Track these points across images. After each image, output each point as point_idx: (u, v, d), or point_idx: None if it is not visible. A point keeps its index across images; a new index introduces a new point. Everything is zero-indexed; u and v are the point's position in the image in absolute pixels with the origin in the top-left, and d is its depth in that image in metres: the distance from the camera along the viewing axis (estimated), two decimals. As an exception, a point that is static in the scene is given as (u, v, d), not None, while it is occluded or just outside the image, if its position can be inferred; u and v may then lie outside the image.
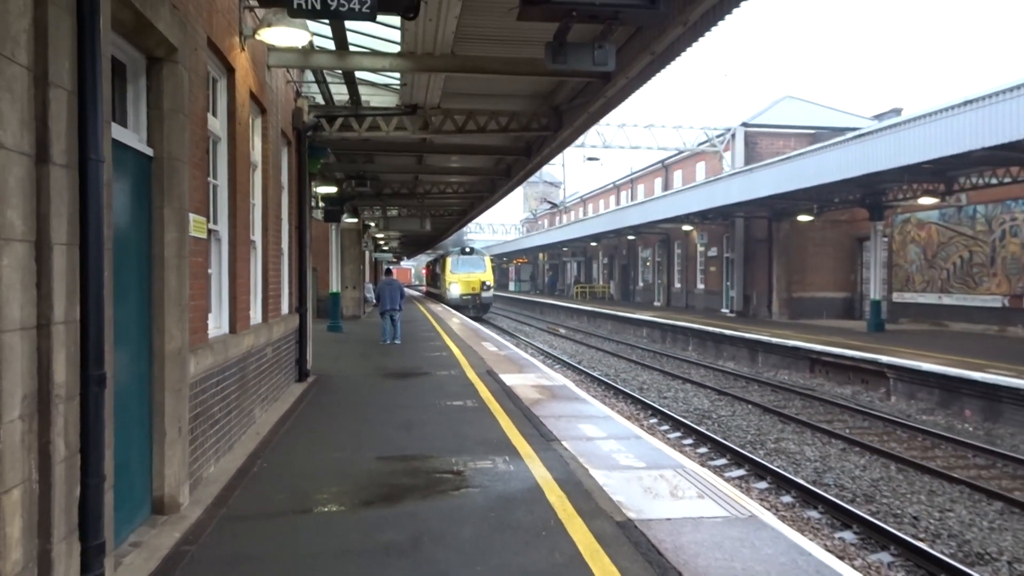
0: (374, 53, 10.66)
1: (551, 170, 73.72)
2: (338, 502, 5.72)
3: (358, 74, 11.87)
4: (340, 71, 11.35)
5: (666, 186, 44.17)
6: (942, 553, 7.17)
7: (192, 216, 5.72)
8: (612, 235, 44.58)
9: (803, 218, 27.53)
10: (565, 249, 61.97)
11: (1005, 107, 13.58)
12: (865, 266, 28.22)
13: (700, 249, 38.17)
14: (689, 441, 12.27)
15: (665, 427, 13.38)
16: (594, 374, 19.59)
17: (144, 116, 5.23)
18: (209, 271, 6.73)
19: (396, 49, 10.10)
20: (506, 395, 10.67)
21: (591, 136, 33.16)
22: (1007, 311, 21.94)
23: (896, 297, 26.66)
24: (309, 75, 12.67)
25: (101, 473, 3.77)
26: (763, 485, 9.73)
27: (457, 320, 28.35)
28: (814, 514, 8.53)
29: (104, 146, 3.80)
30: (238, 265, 7.50)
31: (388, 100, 13.61)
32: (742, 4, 7.75)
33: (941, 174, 20.39)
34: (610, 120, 34.03)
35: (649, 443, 7.81)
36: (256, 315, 8.97)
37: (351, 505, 5.66)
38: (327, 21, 8.99)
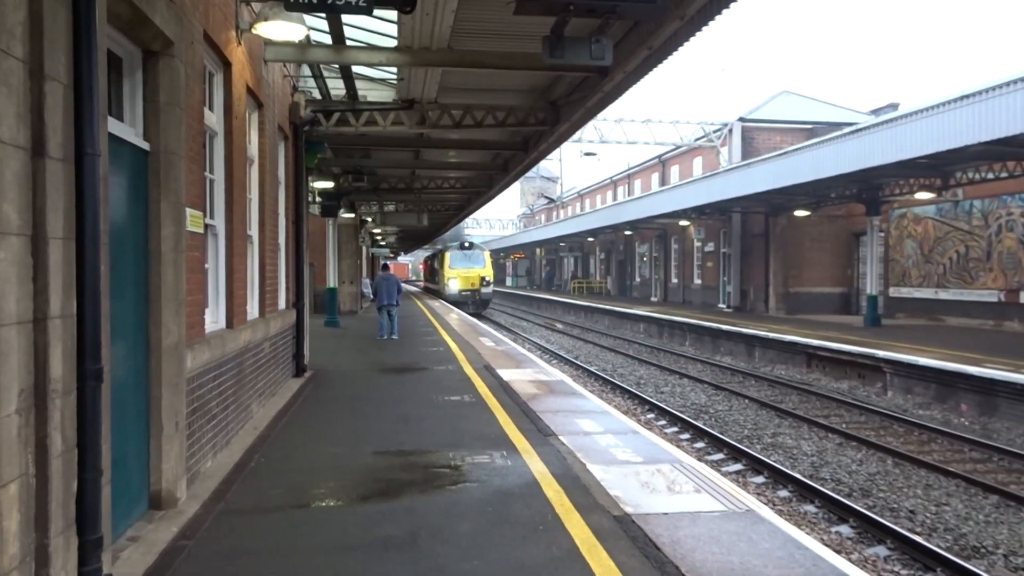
0: (371, 48, 10.64)
1: (548, 165, 73.91)
2: (336, 497, 5.72)
3: (355, 69, 11.84)
4: (337, 66, 11.32)
5: (663, 181, 44.17)
6: (938, 547, 7.19)
7: (189, 211, 5.70)
8: (609, 230, 44.56)
9: (800, 213, 27.55)
10: (562, 244, 61.96)
11: (1002, 101, 13.59)
12: (862, 261, 28.26)
13: (697, 244, 38.18)
14: (686, 436, 12.29)
15: (662, 422, 13.40)
16: (591, 369, 19.60)
17: (140, 110, 5.21)
18: (206, 266, 6.72)
19: (393, 44, 10.07)
20: (503, 390, 10.67)
21: (588, 131, 33.13)
22: (1003, 306, 21.99)
23: (893, 292, 26.70)
24: (306, 69, 12.64)
25: (98, 468, 3.77)
26: (760, 479, 9.76)
27: (454, 316, 28.35)
28: (811, 508, 8.56)
29: (100, 140, 3.78)
30: (235, 260, 7.48)
31: (385, 95, 13.59)
32: (739, -2, 7.74)
33: (937, 169, 20.42)
34: (607, 115, 34.04)
35: (646, 438, 7.82)
36: (253, 310, 8.96)
37: (349, 500, 5.66)
38: (324, 15, 8.97)
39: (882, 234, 26.10)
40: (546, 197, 72.92)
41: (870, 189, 23.28)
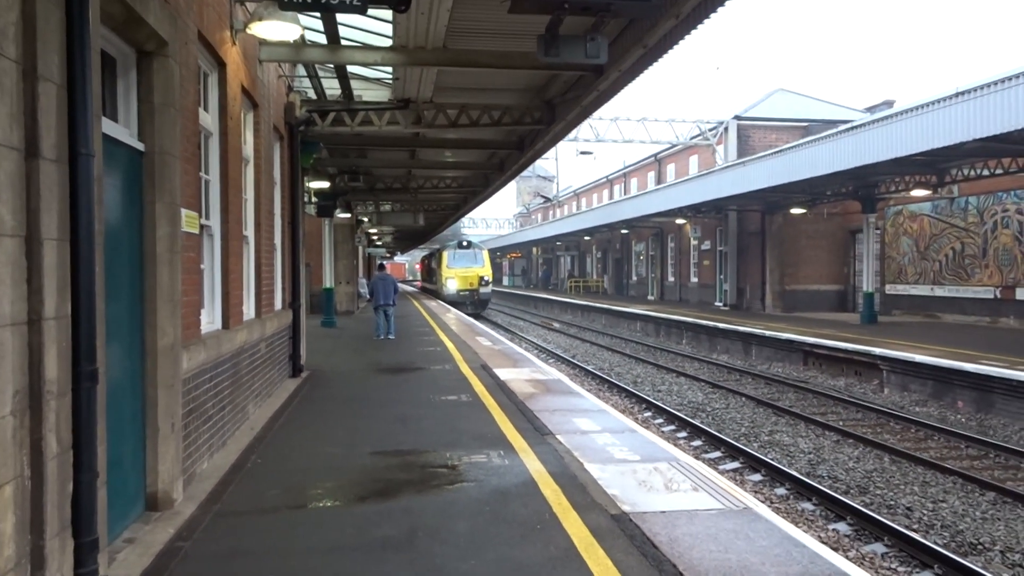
0: (366, 47, 10.62)
1: (544, 164, 73.94)
2: (333, 497, 5.71)
3: (350, 68, 11.83)
4: (332, 65, 11.30)
5: (659, 180, 44.18)
6: (935, 544, 7.21)
7: (184, 211, 5.69)
8: (605, 229, 44.55)
9: (796, 211, 27.59)
10: (559, 243, 61.96)
11: (996, 98, 13.61)
12: (858, 258, 28.32)
13: (693, 243, 38.22)
14: (683, 434, 12.30)
15: (659, 420, 13.41)
16: (588, 368, 19.61)
17: (135, 111, 5.20)
18: (201, 266, 6.71)
19: (388, 43, 10.06)
20: (500, 389, 10.67)
21: (584, 130, 33.16)
22: (999, 302, 22.04)
23: (889, 289, 26.75)
24: (301, 69, 12.63)
25: (94, 469, 3.75)
26: (757, 477, 9.77)
27: (451, 315, 28.34)
28: (808, 506, 8.56)
29: (94, 141, 3.77)
30: (231, 260, 7.47)
31: (380, 94, 13.57)
32: (734, -4, 7.74)
33: (933, 166, 20.46)
34: (603, 114, 34.10)
35: (643, 436, 7.82)
36: (249, 311, 8.94)
37: (346, 500, 5.65)
38: (318, 15, 8.95)
39: (878, 231, 26.15)
40: (542, 196, 72.92)
41: (866, 187, 23.32)
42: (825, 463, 10.36)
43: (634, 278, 48.83)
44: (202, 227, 6.62)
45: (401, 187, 23.92)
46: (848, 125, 19.58)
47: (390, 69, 11.61)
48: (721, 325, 23.67)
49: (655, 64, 9.76)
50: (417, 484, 6.00)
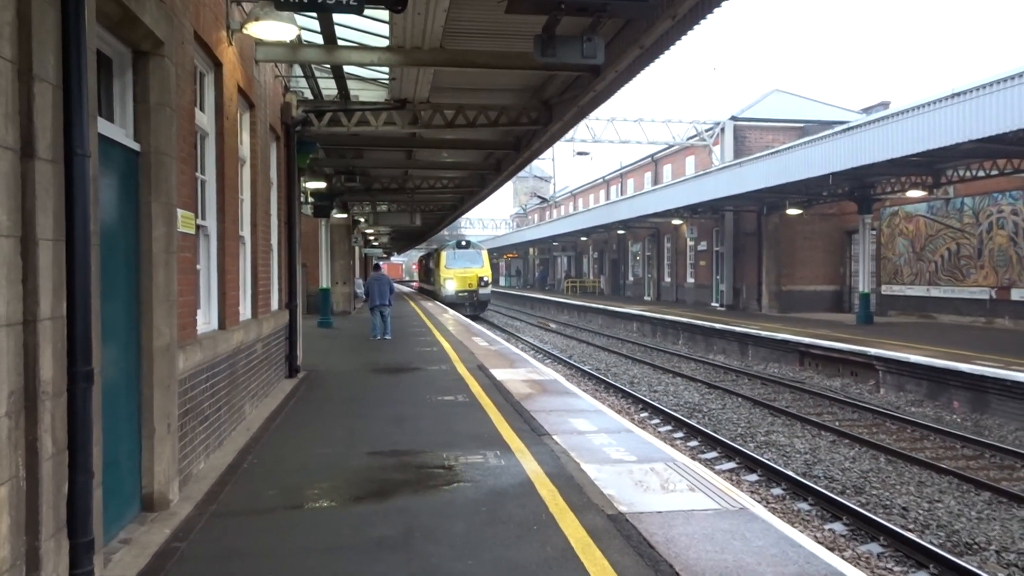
0: (362, 47, 10.62)
1: (541, 165, 73.96)
2: (329, 497, 5.71)
3: (347, 69, 11.82)
4: (328, 66, 11.29)
5: (656, 180, 44.22)
6: (931, 543, 7.22)
7: (180, 211, 5.68)
8: (602, 229, 44.58)
9: (792, 211, 27.62)
10: (555, 244, 61.97)
11: (992, 99, 13.64)
12: (854, 259, 28.35)
13: (690, 243, 38.23)
14: (680, 435, 12.31)
15: (656, 421, 13.42)
16: (585, 368, 19.61)
17: (131, 111, 5.19)
18: (198, 267, 6.70)
19: (385, 43, 10.05)
20: (497, 390, 10.67)
21: (581, 130, 33.15)
22: (994, 303, 22.09)
23: (885, 290, 26.80)
24: (297, 70, 12.61)
25: (89, 470, 3.75)
26: (753, 478, 9.78)
27: (447, 316, 28.33)
28: (804, 506, 8.58)
29: (90, 141, 3.77)
30: (227, 261, 7.46)
31: (377, 95, 13.57)
32: (731, -3, 7.76)
33: (929, 167, 20.51)
34: (600, 114, 34.06)
35: (640, 437, 7.82)
36: (245, 311, 8.93)
37: (342, 500, 5.65)
38: (315, 15, 8.94)
39: (874, 232, 26.20)
40: (539, 196, 72.91)
41: (862, 187, 23.36)
42: (821, 463, 10.37)
43: (630, 278, 48.86)
44: (198, 227, 6.61)
45: (398, 187, 23.92)
46: (844, 126, 19.62)
47: (387, 69, 11.62)
48: (717, 325, 23.70)
49: (652, 65, 9.78)
50: (413, 484, 6.00)
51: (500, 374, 12.24)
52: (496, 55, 10.06)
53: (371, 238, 42.78)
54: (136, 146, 5.14)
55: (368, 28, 10.26)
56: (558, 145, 29.08)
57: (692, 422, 12.77)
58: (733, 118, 34.77)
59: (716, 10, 8.04)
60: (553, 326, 34.96)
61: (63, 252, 3.60)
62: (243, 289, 8.80)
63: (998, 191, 21.71)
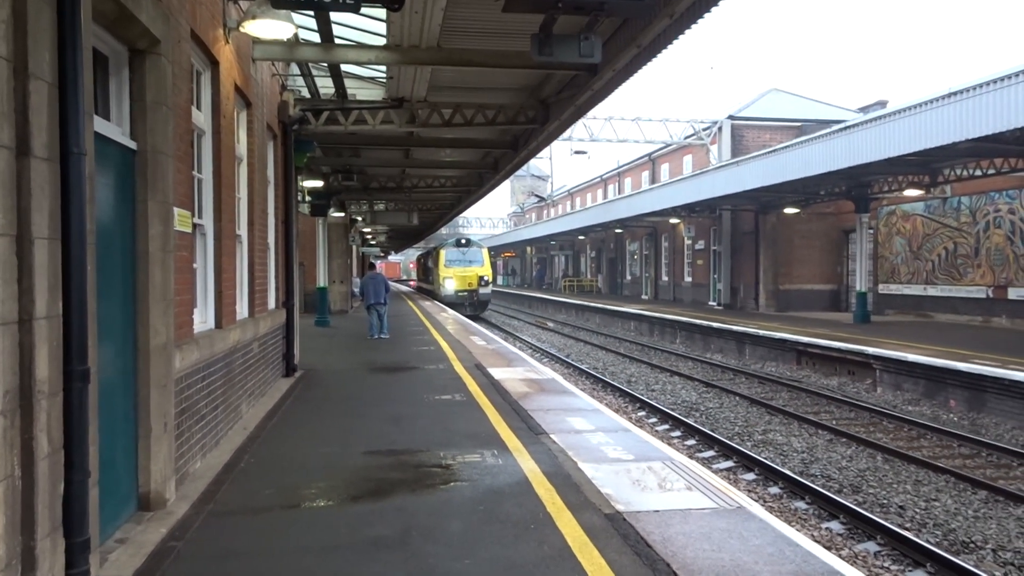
0: (360, 46, 10.60)
1: (538, 164, 73.79)
2: (326, 497, 5.70)
3: (344, 67, 11.80)
4: (326, 64, 11.28)
5: (653, 179, 44.23)
6: (928, 542, 7.23)
7: (177, 210, 5.67)
8: (599, 228, 44.55)
9: (789, 211, 27.64)
10: (553, 243, 61.98)
11: (989, 99, 13.65)
12: (851, 258, 28.38)
13: (687, 242, 38.25)
14: (677, 433, 12.31)
15: (653, 420, 13.42)
16: (582, 367, 19.62)
17: (127, 109, 5.18)
18: (194, 266, 6.69)
19: (382, 42, 10.04)
20: (494, 389, 10.66)
21: (578, 129, 33.13)
22: (991, 302, 22.13)
23: (882, 289, 26.83)
24: (295, 68, 12.59)
25: (85, 469, 3.74)
26: (751, 476, 9.78)
27: (445, 315, 28.31)
28: (801, 505, 8.58)
29: (86, 139, 3.75)
30: (224, 259, 7.44)
31: (374, 93, 13.55)
32: (728, -4, 7.75)
33: (926, 166, 20.52)
34: (597, 113, 34.05)
35: (637, 436, 7.82)
36: (242, 310, 8.92)
37: (339, 500, 5.64)
38: (312, 13, 8.93)
39: (871, 231, 26.23)
40: (536, 195, 72.87)
41: (859, 186, 23.38)
42: (818, 462, 10.38)
43: (628, 278, 48.86)
44: (195, 226, 6.59)
45: (395, 186, 23.91)
46: (841, 125, 19.63)
47: (384, 68, 11.59)
48: (715, 324, 23.71)
49: (649, 64, 9.78)
50: (411, 484, 6.00)
51: (498, 373, 12.23)
52: (493, 54, 10.06)
53: (368, 237, 42.77)
54: (133, 144, 5.13)
55: (365, 27, 10.24)
56: (556, 144, 29.12)
57: (689, 421, 12.77)
58: (731, 117, 34.78)
59: (714, 8, 8.04)
60: (551, 325, 34.96)
61: (59, 251, 3.59)
62: (240, 288, 8.78)
63: (995, 190, 21.74)
